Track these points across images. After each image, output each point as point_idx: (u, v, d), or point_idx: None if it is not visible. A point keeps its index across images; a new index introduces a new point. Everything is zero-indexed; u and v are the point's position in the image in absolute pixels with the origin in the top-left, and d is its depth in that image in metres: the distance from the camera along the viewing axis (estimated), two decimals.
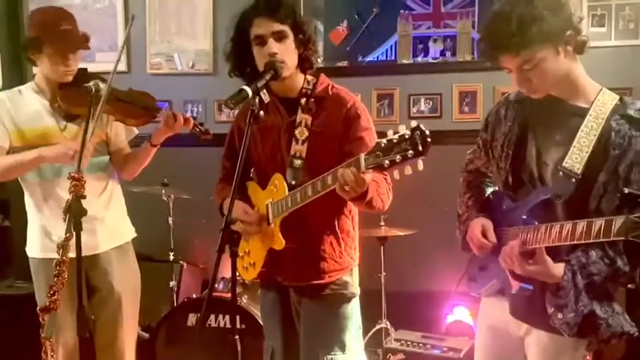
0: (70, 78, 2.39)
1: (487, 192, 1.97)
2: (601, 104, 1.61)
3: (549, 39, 1.56)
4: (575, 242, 1.50)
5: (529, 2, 1.55)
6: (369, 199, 1.86)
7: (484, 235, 1.79)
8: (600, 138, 1.58)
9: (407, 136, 1.50)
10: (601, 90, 1.66)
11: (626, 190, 1.50)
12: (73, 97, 2.36)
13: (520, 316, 1.76)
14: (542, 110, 1.71)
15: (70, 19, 2.41)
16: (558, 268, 1.57)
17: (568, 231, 1.50)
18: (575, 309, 1.57)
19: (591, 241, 1.46)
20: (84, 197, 1.97)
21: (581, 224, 1.47)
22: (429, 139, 1.48)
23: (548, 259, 1.57)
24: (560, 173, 1.60)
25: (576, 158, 1.58)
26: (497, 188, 1.92)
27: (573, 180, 1.58)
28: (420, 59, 4.05)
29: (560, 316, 1.59)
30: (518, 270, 1.62)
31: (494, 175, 1.88)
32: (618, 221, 1.39)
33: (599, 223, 1.43)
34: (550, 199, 1.62)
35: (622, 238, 1.40)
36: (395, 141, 1.52)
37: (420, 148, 1.48)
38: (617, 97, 1.64)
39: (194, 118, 2.52)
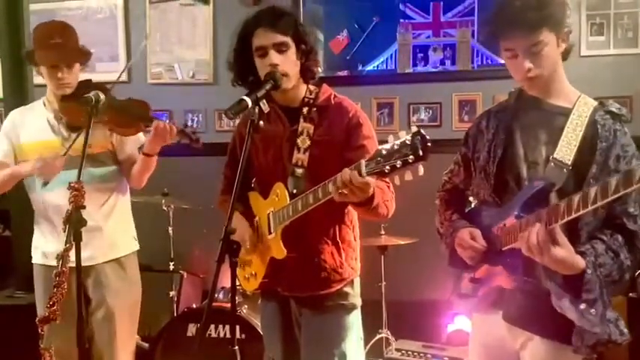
0: (69, 90, 2.41)
1: (465, 208, 1.98)
2: (583, 104, 1.70)
3: (558, 24, 1.64)
4: (592, 207, 1.41)
5: None
6: (375, 204, 1.85)
7: (473, 240, 1.78)
8: (586, 133, 1.65)
9: (407, 142, 1.50)
10: (580, 95, 1.74)
11: None
12: (74, 109, 2.37)
13: (515, 321, 1.74)
14: (525, 113, 1.77)
15: (65, 33, 2.43)
16: (580, 260, 1.55)
17: (580, 198, 1.42)
18: (602, 301, 1.56)
19: (609, 199, 1.37)
20: (83, 207, 1.97)
21: (576, 195, 1.43)
22: (429, 144, 1.48)
23: (572, 250, 1.54)
24: (552, 164, 1.65)
25: (566, 150, 1.64)
26: (473, 205, 1.94)
27: (565, 170, 1.63)
28: (419, 68, 4.06)
29: (593, 311, 1.56)
30: (545, 257, 1.52)
31: (476, 187, 1.88)
32: (638, 171, 1.32)
33: (614, 180, 1.37)
34: (544, 188, 1.63)
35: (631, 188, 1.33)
36: (395, 147, 1.52)
37: (421, 153, 1.48)
38: (596, 101, 1.72)
39: (186, 126, 2.45)
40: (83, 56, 2.47)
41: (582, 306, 1.56)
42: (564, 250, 1.52)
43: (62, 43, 2.40)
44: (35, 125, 2.48)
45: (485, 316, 1.85)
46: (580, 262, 1.54)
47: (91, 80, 2.45)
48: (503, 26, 1.67)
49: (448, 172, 2.02)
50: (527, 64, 1.66)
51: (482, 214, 1.83)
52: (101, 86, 2.32)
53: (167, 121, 2.47)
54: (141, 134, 2.58)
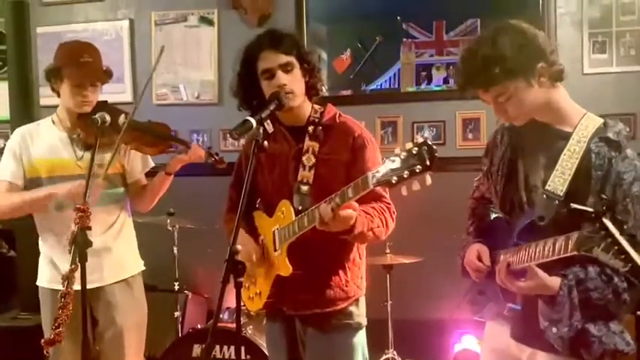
0: (89, 109, 2.42)
1: (491, 217, 1.98)
2: (584, 128, 1.66)
3: (516, 75, 1.61)
4: (548, 259, 1.54)
5: (494, 42, 1.61)
6: (356, 233, 1.87)
7: (479, 259, 1.82)
8: (582, 161, 1.62)
9: (414, 152, 1.51)
10: (585, 114, 1.70)
11: (572, 206, 1.48)
12: (91, 128, 2.40)
13: (520, 339, 1.76)
14: (530, 135, 1.76)
15: (93, 52, 2.47)
16: (554, 281, 1.59)
17: (541, 249, 1.56)
18: (569, 324, 1.58)
19: (555, 257, 1.51)
20: (89, 229, 1.98)
21: (549, 242, 1.52)
22: (436, 154, 1.49)
23: (542, 273, 1.59)
24: (544, 195, 1.64)
25: (559, 181, 1.63)
26: (494, 217, 1.95)
27: (556, 202, 1.62)
28: (423, 87, 4.07)
29: (554, 330, 1.61)
30: (513, 288, 1.65)
31: (494, 200, 1.90)
32: (573, 237, 1.43)
33: (560, 239, 1.49)
34: (534, 221, 1.65)
35: (575, 253, 1.44)
36: (402, 157, 1.53)
37: (428, 163, 1.49)
38: (602, 120, 1.68)
39: (209, 148, 2.58)
40: (107, 77, 2.51)
41: (546, 323, 1.62)
42: (530, 282, 1.61)
43: (92, 62, 2.43)
44: (46, 143, 2.49)
45: (494, 323, 1.87)
46: (554, 283, 1.59)
47: (107, 101, 2.50)
48: (462, 85, 1.69)
49: (477, 180, 2.03)
50: (501, 111, 1.68)
51: (498, 229, 1.86)
52: (118, 108, 2.38)
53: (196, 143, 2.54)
54: (149, 159, 2.65)
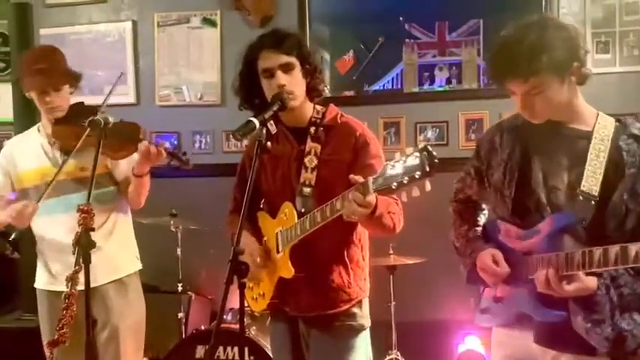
0: (60, 114, 2.42)
1: (480, 221, 1.96)
2: (602, 127, 1.66)
3: (558, 69, 1.59)
4: (610, 268, 1.48)
5: (541, 31, 1.58)
6: (378, 214, 1.84)
7: (495, 264, 1.76)
8: (610, 159, 1.61)
9: (414, 158, 1.51)
10: (598, 114, 1.70)
11: None
12: (66, 133, 2.38)
13: (547, 343, 1.72)
14: (543, 136, 1.73)
15: (50, 57, 2.46)
16: (592, 281, 1.56)
17: (600, 256, 1.48)
18: (612, 323, 1.57)
19: (630, 266, 1.45)
20: (92, 230, 1.98)
21: (614, 249, 1.45)
22: (436, 160, 1.48)
23: (582, 275, 1.56)
24: (580, 197, 1.61)
25: (592, 181, 1.61)
26: (487, 216, 1.93)
27: (593, 202, 1.60)
28: (425, 87, 4.07)
29: (598, 331, 1.58)
30: (558, 293, 1.58)
31: (493, 204, 1.86)
32: None
33: (634, 247, 1.41)
34: (573, 223, 1.62)
35: None
36: (402, 163, 1.53)
37: (428, 169, 1.48)
38: (614, 119, 1.68)
39: (174, 149, 2.45)
40: (70, 79, 2.47)
41: (588, 325, 1.59)
42: (574, 285, 1.56)
43: (46, 68, 2.41)
44: (30, 152, 2.51)
45: (508, 330, 1.82)
46: (592, 283, 1.56)
47: (82, 103, 2.46)
48: (499, 75, 1.66)
49: (460, 181, 1.98)
50: (528, 106, 1.65)
51: (501, 231, 1.81)
52: (92, 108, 2.30)
53: (161, 142, 2.43)
54: (135, 155, 2.52)
